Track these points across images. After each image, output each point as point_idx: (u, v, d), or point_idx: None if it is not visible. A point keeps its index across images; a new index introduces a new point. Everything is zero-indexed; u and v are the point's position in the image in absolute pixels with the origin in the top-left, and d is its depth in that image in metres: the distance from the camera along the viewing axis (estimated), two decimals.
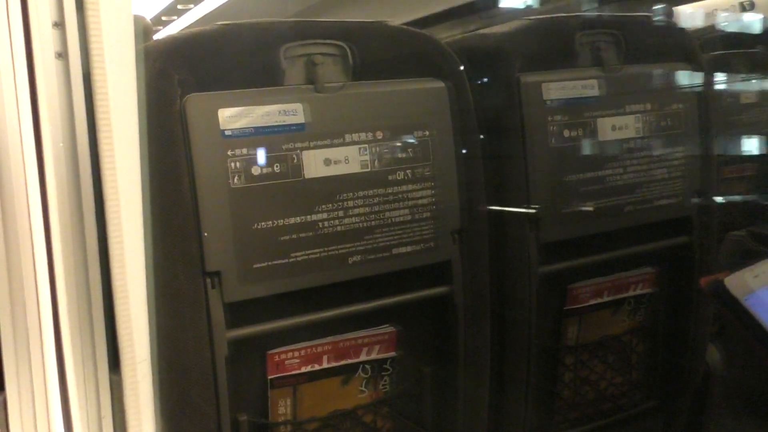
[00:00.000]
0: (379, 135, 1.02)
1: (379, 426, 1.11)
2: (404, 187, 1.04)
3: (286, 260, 0.96)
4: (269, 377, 1.01)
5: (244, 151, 0.93)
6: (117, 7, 0.78)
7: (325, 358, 1.04)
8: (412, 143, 1.04)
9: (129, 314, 0.82)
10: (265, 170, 0.94)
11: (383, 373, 1.09)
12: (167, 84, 0.89)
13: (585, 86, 1.20)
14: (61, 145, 0.77)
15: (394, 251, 1.04)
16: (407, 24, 1.20)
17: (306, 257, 0.98)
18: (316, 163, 0.98)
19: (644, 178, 1.25)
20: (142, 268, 0.83)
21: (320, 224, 0.98)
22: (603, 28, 1.23)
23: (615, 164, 1.22)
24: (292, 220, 0.96)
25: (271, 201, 0.95)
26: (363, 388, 1.08)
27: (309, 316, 1.00)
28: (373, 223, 1.02)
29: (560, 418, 1.31)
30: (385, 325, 1.08)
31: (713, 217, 1.34)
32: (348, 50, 1.03)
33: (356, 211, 1.01)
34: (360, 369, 1.07)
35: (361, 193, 1.01)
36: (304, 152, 0.97)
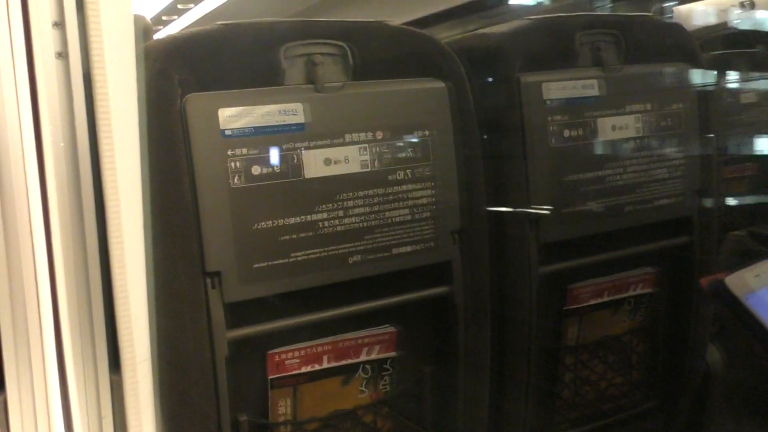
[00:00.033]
0: (379, 135, 1.02)
1: (380, 426, 1.11)
2: (404, 187, 1.04)
3: (287, 260, 0.96)
4: (269, 377, 1.01)
5: (244, 150, 0.93)
6: (117, 6, 0.78)
7: (325, 358, 1.04)
8: (412, 143, 1.04)
9: (129, 314, 0.82)
10: (265, 170, 0.94)
11: (383, 373, 1.09)
12: (167, 84, 0.89)
13: (585, 86, 1.20)
14: (62, 145, 0.77)
15: (394, 251, 1.04)
16: (407, 24, 1.20)
17: (306, 257, 0.98)
18: (316, 163, 0.97)
19: (644, 178, 1.25)
20: (142, 268, 0.83)
21: (320, 224, 0.98)
22: (603, 28, 1.23)
23: (615, 164, 1.22)
24: (292, 220, 0.96)
25: (271, 201, 0.95)
26: (363, 388, 1.08)
27: (309, 316, 1.00)
28: (373, 223, 1.02)
29: (560, 418, 1.31)
30: (385, 325, 1.08)
31: (713, 217, 1.34)
32: (348, 50, 1.02)
33: (356, 211, 1.01)
34: (360, 369, 1.07)
35: (361, 193, 1.01)
36: (304, 152, 0.97)
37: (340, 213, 1.00)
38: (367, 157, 1.01)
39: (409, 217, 1.04)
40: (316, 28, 1.01)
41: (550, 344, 1.26)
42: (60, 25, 0.76)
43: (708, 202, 1.32)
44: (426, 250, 1.06)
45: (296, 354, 1.02)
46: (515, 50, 1.15)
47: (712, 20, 1.90)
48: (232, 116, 0.92)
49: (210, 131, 0.91)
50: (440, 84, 1.07)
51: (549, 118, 1.16)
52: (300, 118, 0.97)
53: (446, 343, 1.12)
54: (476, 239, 1.10)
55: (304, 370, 1.03)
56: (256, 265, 0.95)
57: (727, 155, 1.87)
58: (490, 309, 1.13)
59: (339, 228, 1.00)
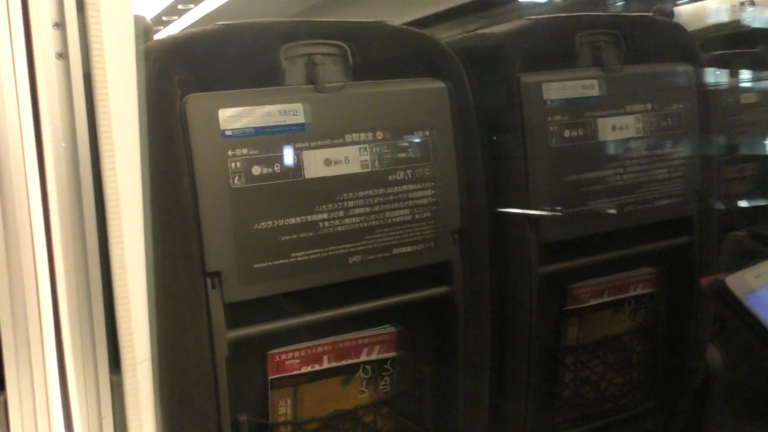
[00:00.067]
0: (380, 135, 1.02)
1: (380, 426, 1.11)
2: (404, 187, 1.04)
3: (287, 260, 0.96)
4: (270, 377, 1.01)
5: (245, 151, 0.93)
6: (117, 7, 0.78)
7: (325, 358, 1.04)
8: (412, 143, 1.04)
9: (129, 314, 0.82)
10: (265, 170, 0.94)
11: (383, 374, 1.09)
12: (167, 84, 0.89)
13: (585, 86, 1.20)
14: (63, 145, 0.77)
15: (395, 251, 1.04)
16: (407, 24, 1.20)
17: (306, 257, 0.98)
18: (316, 163, 0.97)
19: (644, 178, 1.25)
20: (142, 269, 0.83)
21: (320, 224, 0.98)
22: (603, 28, 1.23)
23: (615, 164, 1.22)
24: (292, 221, 0.96)
25: (271, 201, 0.95)
26: (363, 389, 1.08)
27: (309, 317, 1.00)
28: (373, 223, 1.02)
29: (560, 418, 1.31)
30: (385, 326, 1.08)
31: (714, 218, 1.34)
32: (348, 50, 1.02)
33: (356, 211, 1.01)
34: (360, 369, 1.07)
35: (361, 193, 1.01)
36: (305, 152, 0.97)
37: (341, 213, 1.00)
38: (368, 158, 1.01)
39: (409, 218, 1.04)
40: (316, 28, 1.01)
41: (550, 344, 1.26)
42: (60, 25, 0.76)
43: (708, 202, 1.32)
44: (426, 250, 1.06)
45: (296, 354, 1.02)
46: (515, 50, 1.15)
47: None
48: (233, 116, 0.92)
49: (210, 131, 0.91)
50: (440, 84, 1.07)
51: (549, 119, 1.16)
52: (300, 119, 0.97)
53: (446, 344, 1.12)
54: (476, 239, 1.10)
55: (304, 370, 1.03)
56: (256, 266, 0.95)
57: (728, 155, 1.87)
58: (490, 309, 1.13)
59: (339, 228, 1.00)
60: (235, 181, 0.93)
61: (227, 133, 0.92)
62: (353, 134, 1.00)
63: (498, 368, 1.18)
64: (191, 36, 0.95)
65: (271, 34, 0.99)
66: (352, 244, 1.01)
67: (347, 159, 1.00)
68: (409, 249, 1.05)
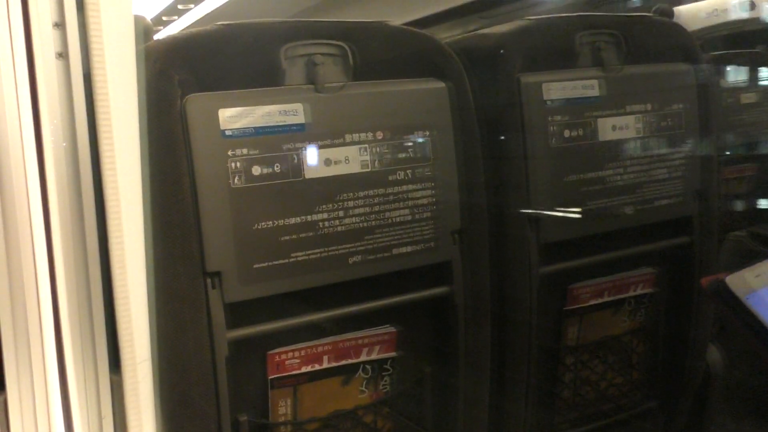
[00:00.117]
0: (380, 135, 1.02)
1: (380, 426, 1.11)
2: (404, 188, 1.04)
3: (287, 260, 0.96)
4: (270, 377, 1.01)
5: (245, 151, 0.93)
6: (117, 7, 0.78)
7: (325, 358, 1.04)
8: (412, 143, 1.04)
9: (129, 314, 0.82)
10: (265, 170, 0.94)
11: (383, 374, 1.09)
12: (167, 84, 0.89)
13: (585, 86, 1.20)
14: (66, 144, 0.77)
15: (395, 251, 1.04)
16: (407, 24, 1.20)
17: (306, 257, 0.98)
18: (316, 163, 0.97)
19: (645, 179, 1.25)
20: (142, 269, 0.83)
21: (320, 224, 0.98)
22: (603, 29, 1.23)
23: (615, 164, 1.22)
24: (292, 221, 0.96)
25: (271, 201, 0.95)
26: (363, 389, 1.08)
27: (309, 317, 1.00)
28: (373, 223, 1.02)
29: (560, 418, 1.31)
30: (385, 326, 1.08)
31: (714, 218, 1.33)
32: (348, 50, 1.02)
33: (356, 211, 1.01)
34: (360, 369, 1.07)
35: (361, 194, 1.01)
36: (305, 152, 0.97)
37: (341, 213, 1.00)
38: (368, 158, 1.01)
39: (409, 218, 1.04)
40: (317, 28, 1.01)
41: (550, 344, 1.26)
42: (60, 25, 0.76)
43: (708, 202, 1.32)
44: (426, 251, 1.06)
45: (296, 354, 1.02)
46: (515, 50, 1.15)
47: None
48: (233, 116, 0.92)
49: (210, 131, 0.91)
50: (440, 84, 1.07)
51: (549, 119, 1.16)
52: (300, 119, 0.97)
53: (446, 344, 1.12)
54: (476, 239, 1.10)
55: (304, 370, 1.03)
56: (256, 266, 0.95)
57: (728, 155, 1.87)
58: (490, 309, 1.13)
59: (339, 228, 1.00)
60: (235, 181, 0.93)
61: (227, 133, 0.92)
62: (353, 134, 1.00)
63: (498, 368, 1.18)
64: (191, 36, 0.95)
65: (271, 34, 0.99)
66: (352, 244, 1.01)
67: (347, 159, 1.00)
68: (409, 249, 1.05)
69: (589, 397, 1.32)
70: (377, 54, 1.05)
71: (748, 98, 1.91)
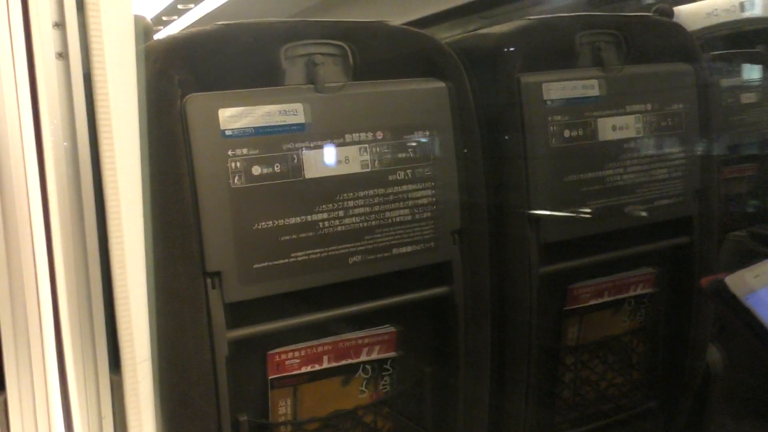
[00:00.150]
0: (380, 135, 1.02)
1: (380, 426, 1.11)
2: (404, 187, 1.04)
3: (287, 260, 0.96)
4: (270, 377, 1.01)
5: (245, 151, 0.93)
6: (117, 7, 0.78)
7: (325, 358, 1.04)
8: (412, 143, 1.04)
9: (129, 314, 0.82)
10: (265, 170, 0.94)
11: (383, 374, 1.09)
12: (167, 84, 0.89)
13: (585, 86, 1.20)
14: (66, 144, 0.77)
15: (395, 251, 1.04)
16: (407, 24, 1.20)
17: (306, 257, 0.98)
18: (316, 163, 0.97)
19: (645, 178, 1.25)
20: (142, 269, 0.83)
21: (320, 224, 0.98)
22: (603, 28, 1.23)
23: (615, 164, 1.22)
24: (292, 220, 0.96)
25: (271, 201, 0.95)
26: (363, 389, 1.08)
27: (309, 317, 1.00)
28: (373, 223, 1.02)
29: (560, 418, 1.31)
30: (385, 326, 1.08)
31: (714, 218, 1.33)
32: (348, 50, 1.02)
33: (356, 211, 1.01)
34: (360, 369, 1.07)
35: (361, 193, 1.01)
36: (305, 152, 0.97)
37: (341, 213, 1.00)
38: (368, 158, 1.01)
39: (409, 218, 1.04)
40: (317, 28, 1.01)
41: (550, 344, 1.26)
42: (60, 25, 0.76)
43: (708, 202, 1.32)
44: (426, 251, 1.06)
45: (296, 354, 1.02)
46: (515, 50, 1.15)
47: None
48: (233, 116, 0.92)
49: (210, 131, 0.91)
50: (440, 84, 1.07)
51: (549, 118, 1.16)
52: (300, 119, 0.97)
53: (446, 344, 1.12)
54: (476, 239, 1.10)
55: (304, 370, 1.03)
56: (256, 266, 0.95)
57: (728, 155, 1.87)
58: (490, 309, 1.13)
59: (339, 228, 1.00)
60: (235, 181, 0.93)
61: (227, 133, 0.92)
62: (353, 134, 1.00)
63: (498, 368, 1.18)
64: (191, 36, 0.95)
65: (271, 34, 0.99)
66: (352, 244, 1.01)
67: (347, 159, 1.00)
68: (409, 249, 1.05)
69: (589, 397, 1.32)
70: (377, 54, 1.05)
71: (748, 98, 1.91)
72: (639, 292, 1.32)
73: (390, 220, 1.03)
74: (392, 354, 1.08)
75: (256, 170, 0.94)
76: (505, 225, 1.17)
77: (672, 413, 1.41)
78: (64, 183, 0.78)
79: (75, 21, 0.77)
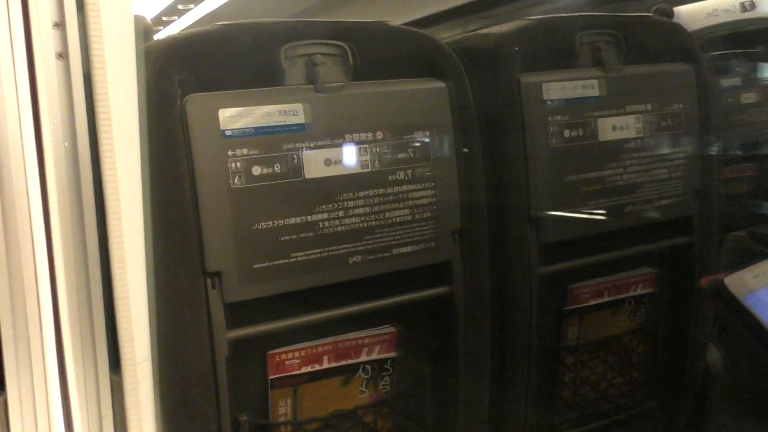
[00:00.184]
0: (380, 135, 1.02)
1: (380, 426, 1.11)
2: (404, 188, 1.04)
3: (287, 260, 0.96)
4: (270, 377, 1.01)
5: (245, 151, 0.93)
6: (117, 7, 0.78)
7: (325, 358, 1.04)
8: (412, 143, 1.04)
9: (129, 314, 0.82)
10: (265, 170, 0.94)
11: (384, 374, 1.09)
12: (167, 84, 0.89)
13: (585, 86, 1.20)
14: (66, 144, 0.77)
15: (395, 251, 1.04)
16: (407, 24, 1.20)
17: (306, 257, 0.98)
18: (316, 163, 0.97)
19: (645, 178, 1.25)
20: (142, 269, 0.83)
21: (321, 224, 0.98)
22: (603, 29, 1.23)
23: (615, 164, 1.22)
24: (292, 221, 0.96)
25: (271, 201, 0.95)
26: (363, 389, 1.08)
27: (309, 317, 1.00)
28: (373, 223, 1.02)
29: (560, 418, 1.31)
30: (385, 326, 1.08)
31: (714, 218, 1.34)
32: (348, 50, 1.03)
33: (356, 211, 1.01)
34: (360, 369, 1.07)
35: (361, 194, 1.01)
36: (305, 152, 0.97)
37: (341, 213, 1.00)
38: (368, 158, 1.01)
39: (409, 218, 1.04)
40: (317, 28, 1.01)
41: (550, 344, 1.26)
42: (60, 25, 0.76)
43: (708, 202, 1.32)
44: (426, 251, 1.06)
45: (296, 354, 1.02)
46: (515, 50, 1.15)
47: (713, 20, 1.90)
48: (233, 116, 0.92)
49: (210, 131, 0.91)
50: (440, 84, 1.07)
51: (549, 118, 1.16)
52: (300, 119, 0.97)
53: (446, 344, 1.12)
54: (476, 239, 1.10)
55: (304, 370, 1.03)
56: (256, 266, 0.95)
57: (728, 155, 1.87)
58: (490, 309, 1.13)
59: (339, 228, 1.00)
60: (235, 181, 0.93)
61: (227, 133, 0.92)
62: (353, 134, 1.00)
63: (498, 368, 1.18)
64: (191, 36, 0.95)
65: (271, 34, 0.99)
66: (352, 244, 1.01)
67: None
68: (409, 249, 1.05)
69: (589, 397, 1.32)
70: (377, 54, 1.05)
71: (748, 98, 1.91)
72: (639, 292, 1.32)
73: (390, 220, 1.03)
74: (392, 354, 1.08)
75: (256, 170, 0.94)
76: (505, 225, 1.17)
77: (672, 413, 1.41)
78: (64, 183, 0.78)
79: (75, 21, 0.77)
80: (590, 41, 1.22)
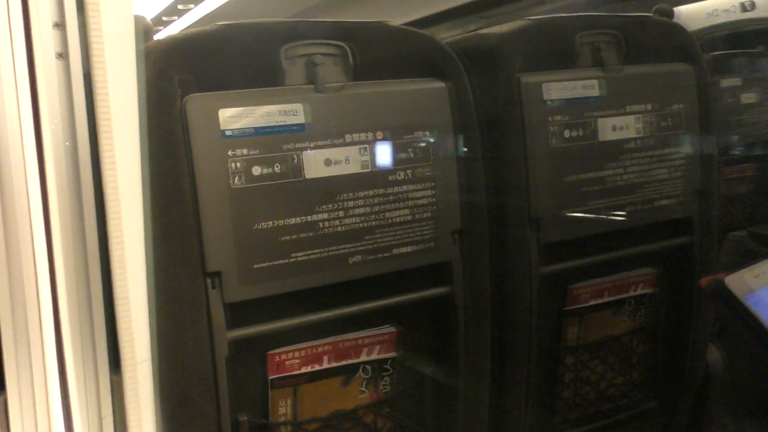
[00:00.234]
0: (380, 135, 1.02)
1: (380, 426, 1.11)
2: (404, 188, 1.04)
3: (287, 260, 0.97)
4: (270, 377, 1.01)
5: (245, 151, 0.93)
6: (117, 7, 0.78)
7: (325, 358, 1.04)
8: (412, 143, 1.04)
9: (129, 314, 0.82)
10: (265, 170, 0.94)
11: (384, 374, 1.09)
12: (167, 84, 0.89)
13: (585, 86, 1.20)
14: (67, 144, 0.77)
15: (395, 251, 1.04)
16: (407, 24, 1.20)
17: (306, 257, 0.98)
18: (316, 164, 0.98)
19: (645, 179, 1.25)
20: (142, 269, 0.83)
21: (321, 224, 0.98)
22: (603, 29, 1.23)
23: (615, 164, 1.22)
24: (292, 221, 0.96)
25: (271, 201, 0.95)
26: (363, 389, 1.08)
27: (309, 317, 1.00)
28: (373, 223, 1.02)
29: (560, 418, 1.31)
30: (385, 326, 1.08)
31: (714, 218, 1.34)
32: (348, 50, 1.03)
33: (357, 211, 1.01)
34: (360, 369, 1.07)
35: (361, 194, 1.01)
36: (305, 152, 0.97)
37: (341, 213, 1.00)
38: (368, 158, 1.01)
39: (409, 218, 1.04)
40: (317, 28, 1.01)
41: (550, 344, 1.26)
42: (60, 25, 0.76)
43: (708, 203, 1.32)
44: (426, 251, 1.06)
45: (296, 354, 1.02)
46: (515, 50, 1.15)
47: (713, 20, 1.90)
48: (233, 117, 0.92)
49: (210, 132, 0.91)
50: (440, 84, 1.07)
51: (549, 119, 1.16)
52: (300, 119, 0.97)
53: (446, 344, 1.12)
54: (476, 239, 1.10)
55: (304, 370, 1.03)
56: (256, 266, 0.95)
57: (728, 155, 1.87)
58: (490, 309, 1.13)
59: (339, 228, 1.00)
60: (236, 181, 0.93)
61: (227, 133, 0.92)
62: (353, 134, 1.00)
63: (498, 368, 1.18)
64: (191, 36, 0.95)
65: (271, 34, 0.99)
66: (352, 244, 1.01)
67: (347, 159, 1.00)
68: (409, 249, 1.05)
69: (589, 397, 1.32)
70: (377, 54, 1.05)
71: (748, 98, 1.91)
72: (639, 292, 1.32)
73: (390, 221, 1.03)
74: (392, 354, 1.08)
75: (256, 170, 0.94)
76: (505, 225, 1.17)
77: (672, 413, 1.41)
78: (64, 183, 0.78)
79: (75, 21, 0.77)
80: (590, 41, 1.22)
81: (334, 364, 1.05)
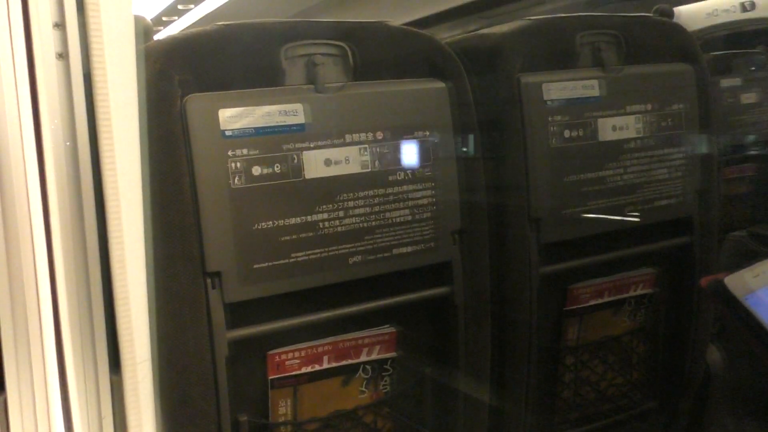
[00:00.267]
0: (380, 135, 1.02)
1: (380, 426, 1.11)
2: (404, 188, 1.04)
3: (287, 260, 0.97)
4: (270, 377, 1.01)
5: (245, 151, 0.93)
6: (117, 7, 0.78)
7: (325, 358, 1.04)
8: (412, 144, 1.04)
9: (129, 314, 0.82)
10: (265, 170, 0.94)
11: (384, 374, 1.09)
12: (168, 84, 0.89)
13: (585, 86, 1.20)
14: (67, 144, 0.77)
15: (395, 252, 1.04)
16: (407, 24, 1.20)
17: (306, 257, 0.98)
18: (316, 164, 0.98)
19: (645, 179, 1.25)
20: (142, 269, 0.83)
21: (321, 224, 0.98)
22: (603, 29, 1.23)
23: (615, 164, 1.22)
24: (292, 221, 0.96)
25: (271, 201, 0.95)
26: (363, 389, 1.08)
27: (309, 317, 1.00)
28: (373, 223, 1.02)
29: (560, 418, 1.31)
30: (385, 326, 1.08)
31: (714, 218, 1.34)
32: (348, 50, 1.03)
33: (357, 211, 1.01)
34: (360, 369, 1.07)
35: (361, 194, 1.01)
36: (305, 152, 0.97)
37: (341, 213, 1.00)
38: (368, 158, 1.01)
39: (409, 218, 1.04)
40: (317, 28, 1.01)
41: (550, 344, 1.26)
42: (60, 25, 0.76)
43: (708, 202, 1.32)
44: (426, 251, 1.06)
45: (296, 354, 1.02)
46: (515, 50, 1.15)
47: (713, 20, 1.90)
48: (233, 117, 0.92)
49: (210, 132, 0.91)
50: (440, 84, 1.07)
51: (549, 119, 1.16)
52: (300, 119, 0.97)
53: (446, 344, 1.12)
54: (476, 239, 1.10)
55: (304, 370, 1.03)
56: (256, 266, 0.95)
57: (728, 155, 1.87)
58: (490, 309, 1.13)
59: (339, 228, 1.00)
60: (236, 181, 0.93)
61: (227, 133, 0.92)
62: (353, 134, 1.00)
63: (498, 369, 1.18)
64: (191, 36, 0.95)
65: (271, 34, 0.99)
66: (352, 245, 1.01)
67: (347, 159, 1.00)
68: (409, 249, 1.05)
69: (589, 397, 1.32)
70: (377, 54, 1.05)
71: (748, 98, 1.91)
72: (639, 292, 1.32)
73: (390, 221, 1.03)
74: (392, 354, 1.08)
75: (256, 170, 0.94)
76: (505, 225, 1.17)
77: (672, 413, 1.41)
78: (64, 183, 0.78)
79: (75, 21, 0.77)
80: (590, 41, 1.22)
81: (334, 364, 1.05)
